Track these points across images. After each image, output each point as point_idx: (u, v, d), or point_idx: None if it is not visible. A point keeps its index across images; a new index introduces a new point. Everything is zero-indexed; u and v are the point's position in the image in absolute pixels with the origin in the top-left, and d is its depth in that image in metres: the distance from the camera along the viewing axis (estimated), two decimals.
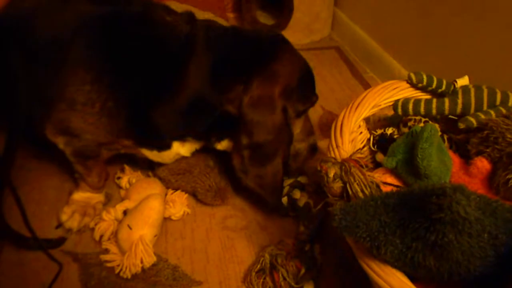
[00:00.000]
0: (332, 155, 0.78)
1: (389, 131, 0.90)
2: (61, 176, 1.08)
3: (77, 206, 0.98)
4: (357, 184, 0.64)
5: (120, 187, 1.06)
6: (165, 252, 0.94)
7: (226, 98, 0.84)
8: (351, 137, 0.83)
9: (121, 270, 0.87)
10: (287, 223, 1.01)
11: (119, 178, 1.07)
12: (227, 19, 2.02)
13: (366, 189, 0.63)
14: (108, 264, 0.89)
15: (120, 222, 0.93)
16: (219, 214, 1.03)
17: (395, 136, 0.89)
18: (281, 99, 0.84)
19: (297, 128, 0.96)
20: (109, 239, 0.93)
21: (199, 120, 0.87)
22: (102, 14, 0.82)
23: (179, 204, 1.00)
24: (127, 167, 1.08)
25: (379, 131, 0.90)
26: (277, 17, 1.89)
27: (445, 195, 0.46)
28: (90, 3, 0.84)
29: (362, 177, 0.65)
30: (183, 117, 0.85)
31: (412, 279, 0.57)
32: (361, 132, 0.89)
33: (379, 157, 0.88)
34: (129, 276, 0.87)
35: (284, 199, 1.01)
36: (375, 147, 0.88)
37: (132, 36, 0.82)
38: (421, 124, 0.87)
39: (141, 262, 0.87)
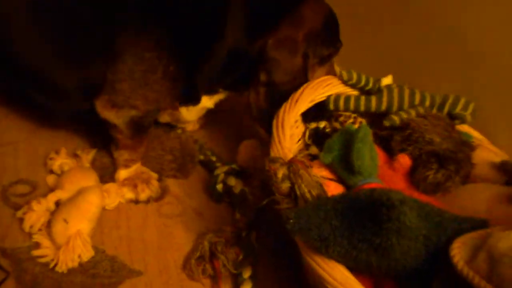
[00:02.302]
0: (275, 151, 0.83)
1: (322, 124, 0.96)
2: None
3: (128, 182, 0.98)
4: (305, 185, 0.69)
5: (50, 170, 1.01)
6: (101, 243, 0.92)
7: (255, 45, 0.88)
8: (291, 132, 0.88)
9: (56, 264, 0.85)
10: (223, 209, 1.05)
11: (51, 159, 1.02)
12: None
13: (313, 190, 0.69)
14: (42, 260, 0.86)
15: (53, 214, 0.90)
16: (153, 201, 1.03)
17: (327, 130, 0.96)
18: (304, 43, 0.89)
19: (320, 76, 0.97)
20: (40, 230, 0.89)
21: (233, 72, 0.91)
22: None
23: (114, 194, 0.98)
24: (63, 150, 1.03)
25: (313, 125, 0.96)
26: None
27: (393, 207, 0.53)
28: None
29: (309, 178, 0.70)
30: (221, 71, 0.89)
31: (352, 270, 0.65)
32: (297, 127, 0.94)
33: (313, 150, 0.94)
34: (65, 271, 0.85)
35: (220, 186, 1.04)
36: (310, 140, 0.94)
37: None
38: (351, 120, 0.94)
39: (79, 256, 0.85)
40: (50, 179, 1.00)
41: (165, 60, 0.83)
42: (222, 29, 0.85)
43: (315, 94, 0.94)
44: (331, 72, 1.01)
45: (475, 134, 0.97)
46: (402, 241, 0.56)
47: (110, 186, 1.00)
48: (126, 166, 1.01)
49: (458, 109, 0.92)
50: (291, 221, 0.61)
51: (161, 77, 0.84)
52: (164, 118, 1.06)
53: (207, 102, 1.00)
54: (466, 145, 0.86)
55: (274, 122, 0.87)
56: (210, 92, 0.98)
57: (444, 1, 0.98)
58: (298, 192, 0.69)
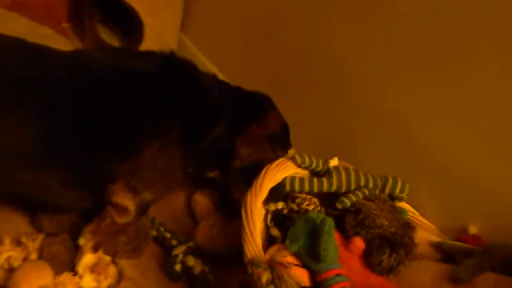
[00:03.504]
0: (248, 243, 0.87)
1: (280, 206, 1.03)
2: None
3: (96, 268, 0.98)
4: None
5: None
6: None
7: (229, 140, 1.06)
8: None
9: None
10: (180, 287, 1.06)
11: None
12: (63, 30, 1.84)
13: None
14: None
15: None
16: None
17: (285, 211, 1.02)
18: (266, 139, 1.11)
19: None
20: None
21: (209, 159, 1.07)
22: (154, 72, 0.95)
23: (70, 286, 0.93)
24: (7, 240, 0.95)
25: (272, 207, 1.02)
26: (123, 37, 1.82)
27: None
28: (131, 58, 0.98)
29: (292, 283, 0.75)
30: (201, 157, 1.04)
31: None
32: (260, 209, 0.99)
33: (274, 231, 1.00)
34: None
35: (178, 266, 1.04)
36: (272, 223, 1.00)
37: (190, 95, 0.98)
38: (307, 202, 1.02)
39: None
40: None
41: (182, 153, 0.96)
42: (213, 126, 1.03)
43: (275, 178, 1.01)
44: None
45: (406, 206, 1.10)
46: None
47: (64, 278, 0.95)
48: (96, 249, 0.98)
49: (397, 191, 1.05)
50: None
51: (179, 167, 0.98)
52: None
53: None
54: (409, 226, 0.98)
55: (243, 212, 0.91)
56: None
57: (380, 88, 1.12)
58: None
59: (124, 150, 0.90)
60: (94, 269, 0.97)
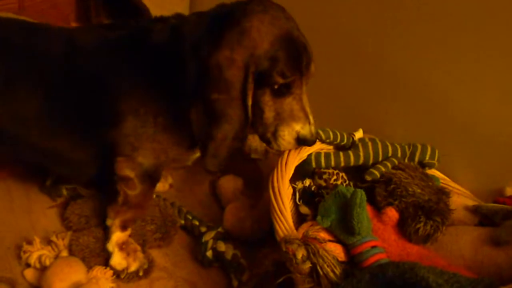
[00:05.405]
0: (279, 221, 0.85)
1: (307, 183, 1.00)
2: None
3: (125, 247, 0.99)
4: (327, 265, 0.72)
5: (27, 263, 0.94)
6: None
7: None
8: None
9: None
10: (214, 273, 1.05)
11: (26, 252, 0.95)
12: None
13: (336, 269, 0.72)
14: None
15: None
16: (143, 279, 1.00)
17: (313, 188, 1.00)
18: (241, 63, 0.84)
19: (268, 110, 0.89)
20: None
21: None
22: (121, 39, 0.93)
23: (104, 280, 0.93)
24: (37, 239, 0.96)
25: (299, 185, 0.99)
26: None
27: None
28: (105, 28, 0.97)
29: (330, 257, 0.73)
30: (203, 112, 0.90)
31: None
32: (288, 188, 0.97)
33: (303, 209, 0.98)
34: None
35: (209, 252, 1.03)
36: (301, 201, 0.98)
37: (150, 54, 0.91)
38: (334, 177, 0.99)
39: None
40: (29, 274, 0.93)
41: (166, 115, 0.91)
42: (182, 82, 0.90)
43: (300, 155, 0.98)
44: (297, 107, 0.90)
45: (437, 173, 1.07)
46: None
47: (97, 272, 0.95)
48: (124, 227, 0.99)
49: (427, 158, 1.01)
50: None
51: (169, 130, 0.92)
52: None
53: None
54: (443, 192, 0.94)
55: (270, 192, 0.89)
56: None
57: (404, 54, 1.08)
58: (321, 272, 0.72)
59: (107, 118, 0.92)
60: (123, 247, 0.98)
